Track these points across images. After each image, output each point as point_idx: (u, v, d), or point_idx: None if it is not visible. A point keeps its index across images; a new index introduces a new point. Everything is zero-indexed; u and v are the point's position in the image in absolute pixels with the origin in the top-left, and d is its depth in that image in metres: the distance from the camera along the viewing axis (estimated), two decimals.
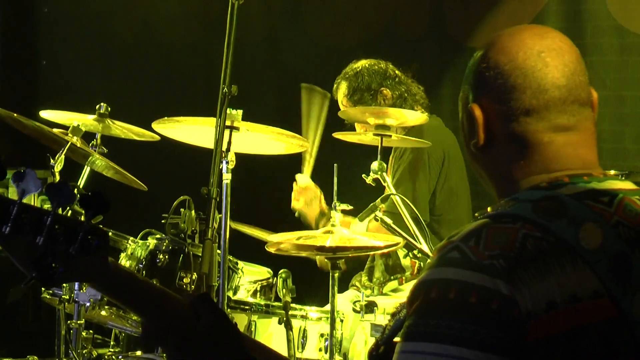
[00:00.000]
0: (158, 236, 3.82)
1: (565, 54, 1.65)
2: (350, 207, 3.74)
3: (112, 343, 4.17)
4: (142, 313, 1.61)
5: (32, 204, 1.50)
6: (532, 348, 1.43)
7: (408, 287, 4.20)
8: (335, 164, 3.65)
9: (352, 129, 4.42)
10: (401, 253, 4.24)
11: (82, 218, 1.48)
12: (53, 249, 1.45)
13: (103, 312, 3.74)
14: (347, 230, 3.67)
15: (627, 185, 1.64)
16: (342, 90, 4.59)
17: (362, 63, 4.62)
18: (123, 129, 4.18)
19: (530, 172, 1.62)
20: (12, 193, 5.34)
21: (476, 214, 1.61)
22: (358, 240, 3.63)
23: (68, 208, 3.36)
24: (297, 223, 4.55)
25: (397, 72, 4.59)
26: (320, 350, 3.71)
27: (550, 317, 1.45)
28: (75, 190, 3.88)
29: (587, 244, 1.50)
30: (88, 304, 3.72)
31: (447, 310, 1.46)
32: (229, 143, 3.50)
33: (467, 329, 1.44)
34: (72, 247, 1.46)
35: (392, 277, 4.36)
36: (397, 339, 1.55)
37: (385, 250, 3.92)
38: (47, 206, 1.92)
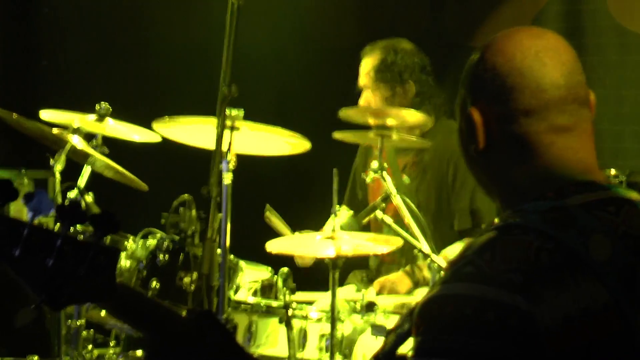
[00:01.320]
0: (158, 236, 3.82)
1: (563, 54, 1.64)
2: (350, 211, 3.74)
3: (112, 343, 4.16)
4: (148, 332, 1.62)
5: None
6: None
7: (417, 292, 4.18)
8: (335, 169, 3.63)
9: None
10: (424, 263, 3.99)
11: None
12: (62, 271, 1.44)
13: (103, 312, 3.74)
14: (347, 235, 3.66)
15: (632, 194, 1.62)
16: (374, 58, 4.30)
17: (407, 45, 4.34)
18: (123, 129, 4.18)
19: (533, 179, 1.60)
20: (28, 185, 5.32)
21: (483, 226, 1.59)
22: (360, 247, 3.63)
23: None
24: (297, 223, 4.53)
25: (430, 71, 4.36)
26: (320, 349, 3.71)
27: (566, 332, 1.42)
28: (76, 190, 3.88)
29: (596, 256, 1.48)
30: (89, 304, 3.73)
31: (464, 326, 1.42)
32: (230, 143, 3.50)
33: (484, 345, 1.40)
34: (81, 268, 1.45)
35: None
36: (408, 353, 1.52)
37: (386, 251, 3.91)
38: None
